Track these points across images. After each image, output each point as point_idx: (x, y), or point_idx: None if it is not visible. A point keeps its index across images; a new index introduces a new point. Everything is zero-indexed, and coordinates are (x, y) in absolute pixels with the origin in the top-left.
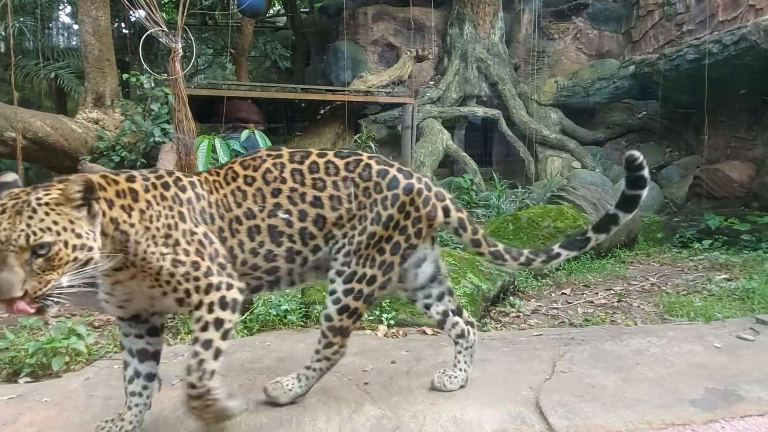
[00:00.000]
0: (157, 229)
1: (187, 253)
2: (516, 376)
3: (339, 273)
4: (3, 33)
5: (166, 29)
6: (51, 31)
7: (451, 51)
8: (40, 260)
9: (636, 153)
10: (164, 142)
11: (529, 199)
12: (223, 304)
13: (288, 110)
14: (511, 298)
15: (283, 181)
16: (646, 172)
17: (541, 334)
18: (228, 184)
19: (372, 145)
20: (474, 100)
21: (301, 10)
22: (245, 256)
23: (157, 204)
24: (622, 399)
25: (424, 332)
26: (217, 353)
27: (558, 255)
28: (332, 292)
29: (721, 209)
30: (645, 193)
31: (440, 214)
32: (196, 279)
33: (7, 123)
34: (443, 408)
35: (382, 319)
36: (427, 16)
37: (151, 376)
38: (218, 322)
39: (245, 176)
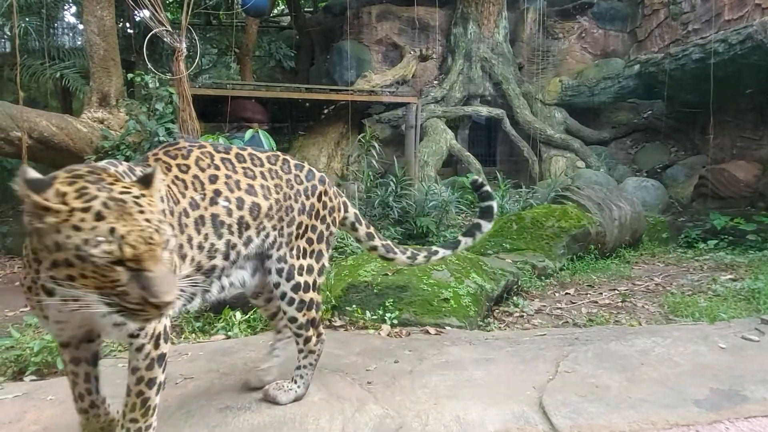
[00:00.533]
0: None
1: None
2: (519, 376)
3: (279, 272)
4: (9, 33)
5: (170, 29)
6: (56, 31)
7: (455, 50)
8: (166, 255)
9: (475, 176)
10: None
11: (533, 199)
12: (165, 335)
13: (292, 110)
14: (514, 298)
15: (217, 167)
16: (488, 188)
17: (545, 334)
18: (165, 174)
19: (376, 145)
20: (478, 100)
21: (306, 9)
22: (193, 253)
23: None
24: (626, 399)
25: (428, 332)
26: (159, 388)
27: (436, 252)
28: (283, 296)
29: (727, 209)
30: (495, 204)
31: (343, 207)
32: None
33: (12, 122)
34: (446, 407)
35: (386, 318)
36: (431, 15)
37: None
38: (161, 358)
39: (178, 165)
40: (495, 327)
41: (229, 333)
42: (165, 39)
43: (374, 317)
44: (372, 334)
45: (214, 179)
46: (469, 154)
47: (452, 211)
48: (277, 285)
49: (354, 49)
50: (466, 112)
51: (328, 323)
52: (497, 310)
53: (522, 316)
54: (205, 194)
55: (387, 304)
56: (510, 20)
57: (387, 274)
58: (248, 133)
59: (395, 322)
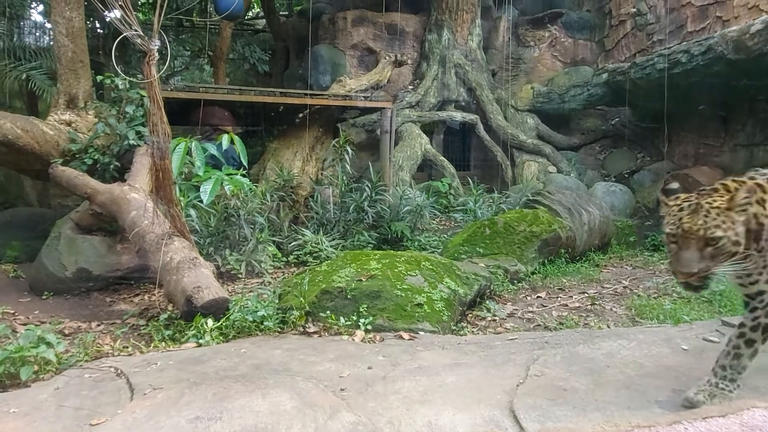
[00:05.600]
0: None
1: None
2: (490, 380)
3: None
4: None
5: (141, 32)
6: (22, 31)
7: (429, 56)
8: (709, 249)
9: None
10: (139, 145)
11: (505, 204)
12: None
13: (266, 114)
14: (487, 302)
15: None
16: None
17: (516, 338)
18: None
19: (349, 149)
20: (452, 105)
21: (281, 13)
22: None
23: None
24: (592, 402)
25: (401, 337)
26: (754, 353)
27: None
28: None
29: None
30: None
31: None
32: None
33: None
34: (418, 413)
35: (360, 324)
36: (406, 21)
37: None
38: (766, 329)
39: None
40: (468, 331)
41: (201, 341)
42: (136, 42)
43: (348, 323)
44: (346, 340)
45: None
46: (443, 158)
47: (426, 215)
48: None
49: (329, 53)
50: (441, 117)
51: (302, 329)
52: (470, 315)
53: (494, 320)
54: None
55: (361, 309)
56: (483, 28)
57: (361, 280)
58: (222, 138)
59: (369, 327)
